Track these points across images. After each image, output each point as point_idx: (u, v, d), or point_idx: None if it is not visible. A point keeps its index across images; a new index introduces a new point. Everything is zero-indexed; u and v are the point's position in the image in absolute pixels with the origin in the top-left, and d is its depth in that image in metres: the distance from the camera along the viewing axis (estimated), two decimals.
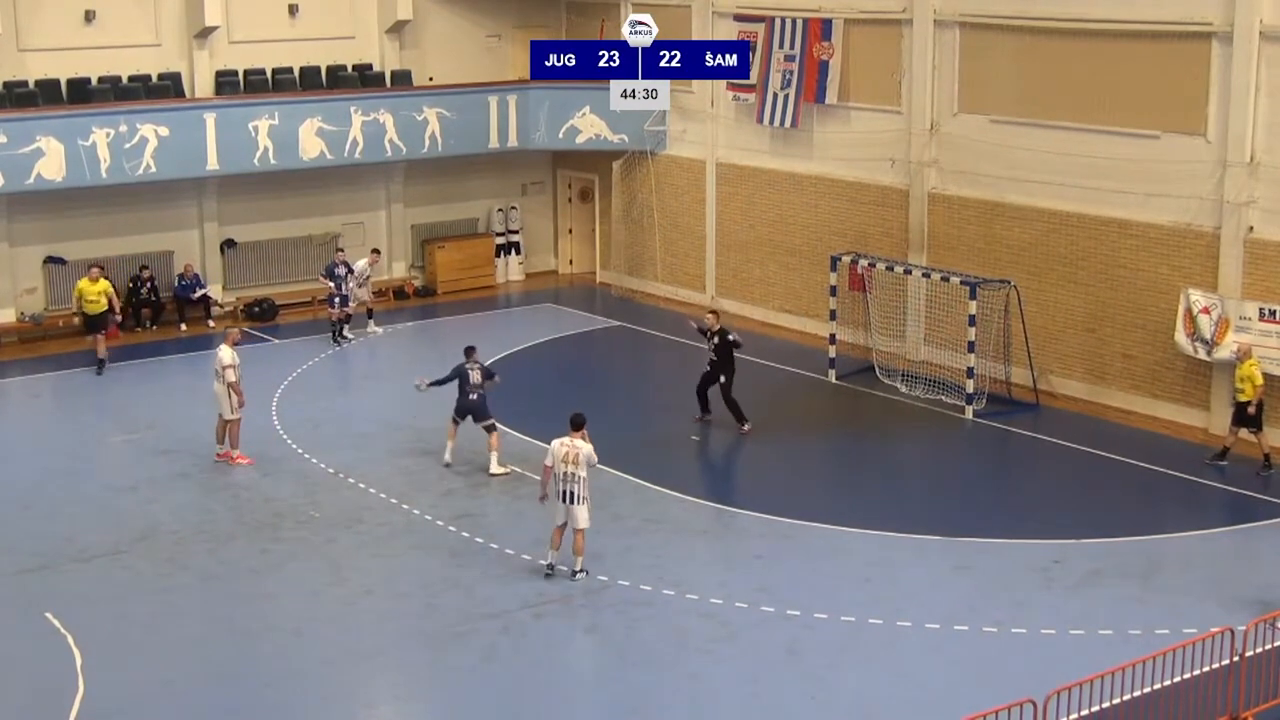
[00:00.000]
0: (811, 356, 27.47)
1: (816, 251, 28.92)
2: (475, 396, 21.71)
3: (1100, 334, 24.78)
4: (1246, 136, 22.56)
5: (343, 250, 30.13)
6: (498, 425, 21.77)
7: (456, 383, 21.84)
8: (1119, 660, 14.38)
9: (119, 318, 27.55)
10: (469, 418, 21.79)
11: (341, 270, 29.08)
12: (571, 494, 17.58)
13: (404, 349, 29.45)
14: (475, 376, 21.74)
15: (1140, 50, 23.89)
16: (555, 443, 17.82)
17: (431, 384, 22.39)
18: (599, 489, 20.56)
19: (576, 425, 17.93)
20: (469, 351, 22.09)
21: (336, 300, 29.01)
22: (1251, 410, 21.49)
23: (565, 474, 17.58)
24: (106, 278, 29.38)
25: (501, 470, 21.47)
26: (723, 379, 23.56)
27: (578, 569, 17.81)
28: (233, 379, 21.82)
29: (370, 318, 30.07)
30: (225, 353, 22.03)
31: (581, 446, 17.65)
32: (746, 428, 23.49)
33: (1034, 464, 22.87)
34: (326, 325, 29.54)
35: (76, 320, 27.31)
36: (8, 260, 29.06)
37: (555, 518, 17.82)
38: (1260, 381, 21.42)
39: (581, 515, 17.63)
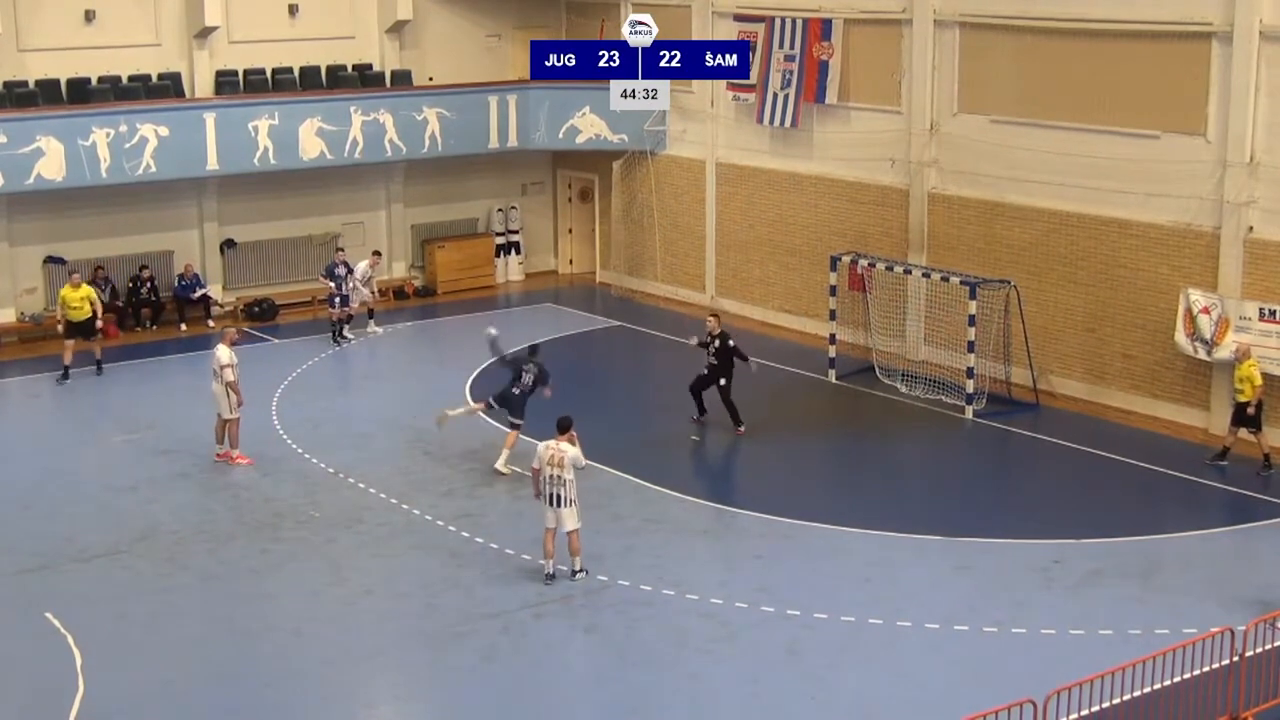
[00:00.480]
0: (811, 356, 27.47)
1: (816, 251, 28.92)
2: (518, 392, 21.62)
3: (1100, 334, 24.78)
4: (1246, 136, 22.56)
5: (343, 250, 30.13)
6: (522, 429, 21.65)
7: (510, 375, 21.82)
8: (1119, 660, 14.38)
9: (102, 324, 27.14)
10: (502, 407, 21.77)
11: (341, 270, 29.08)
12: (558, 496, 17.54)
13: (404, 349, 29.47)
14: (527, 379, 21.64)
15: (1140, 50, 23.89)
16: (541, 445, 17.82)
17: (496, 346, 22.09)
18: (599, 489, 20.60)
19: (563, 428, 17.92)
20: (533, 350, 22.02)
21: (337, 300, 29.03)
22: (1251, 410, 21.49)
23: (551, 476, 17.55)
24: (105, 280, 29.52)
25: (505, 470, 21.46)
26: (723, 381, 23.55)
27: (576, 569, 17.80)
28: (231, 378, 21.81)
29: (371, 318, 30.08)
30: (223, 352, 22.03)
31: (567, 449, 17.61)
32: (741, 429, 23.49)
33: (1034, 464, 22.87)
34: (326, 325, 29.56)
35: (60, 328, 27.05)
36: (8, 260, 29.06)
37: (545, 521, 17.78)
38: (1259, 382, 21.41)
39: (569, 517, 17.59)
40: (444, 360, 28.45)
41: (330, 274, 29.14)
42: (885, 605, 17.14)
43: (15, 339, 29.05)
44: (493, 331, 22.60)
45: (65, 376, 26.24)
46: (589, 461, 18.34)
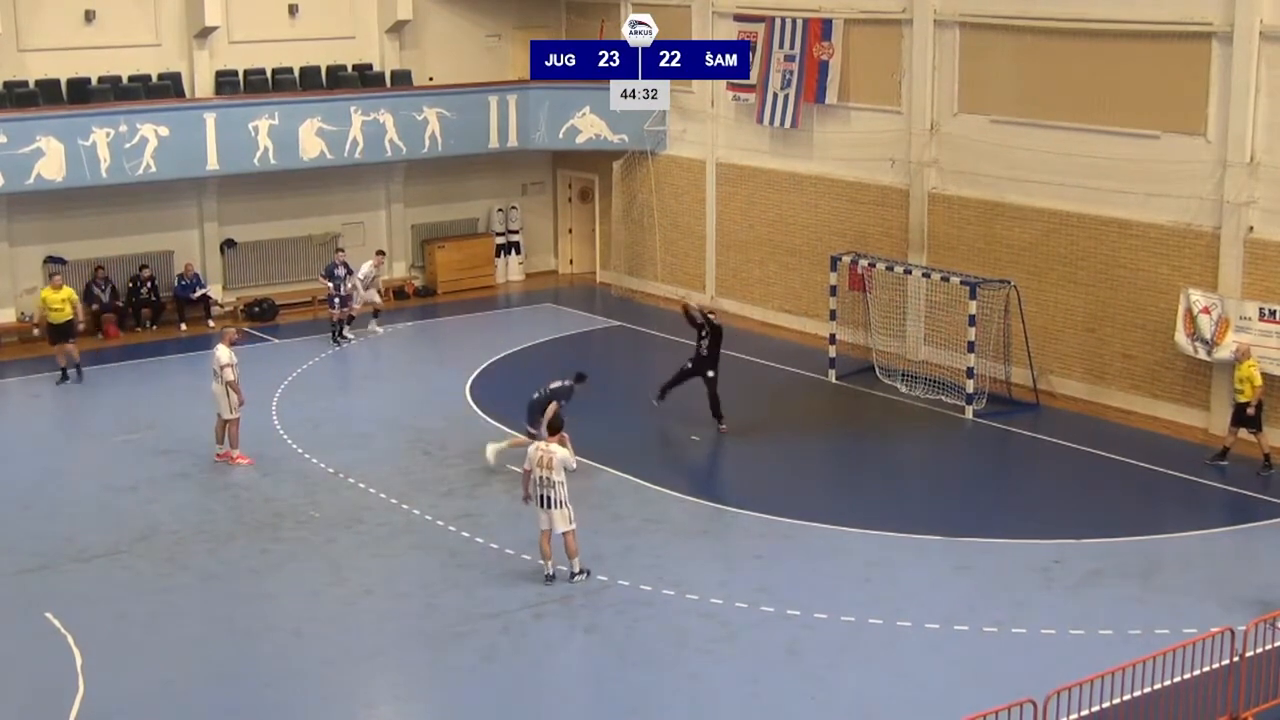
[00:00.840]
0: (811, 356, 27.46)
1: (816, 251, 28.91)
2: (536, 396, 21.23)
3: (1100, 334, 24.78)
4: (1246, 136, 22.56)
5: (343, 251, 30.11)
6: (534, 437, 20.92)
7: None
8: (1119, 660, 14.38)
9: (82, 325, 26.66)
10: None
11: (341, 271, 29.06)
12: (547, 498, 17.45)
13: (404, 349, 29.46)
14: (556, 382, 21.28)
15: (1140, 50, 23.89)
16: (531, 447, 17.80)
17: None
18: (599, 489, 20.62)
19: (553, 430, 17.99)
20: (580, 376, 21.49)
21: (336, 300, 28.99)
22: (1250, 411, 21.48)
23: (541, 478, 17.48)
24: (105, 280, 29.52)
25: (491, 461, 21.27)
26: (710, 373, 23.55)
27: (576, 570, 17.72)
28: (231, 378, 21.78)
29: (375, 317, 29.98)
30: (222, 352, 22.00)
31: (556, 451, 17.54)
32: (723, 428, 23.51)
33: (1034, 464, 22.87)
34: (327, 325, 29.53)
35: (35, 331, 26.88)
36: (8, 260, 29.05)
37: (539, 523, 17.73)
38: (1259, 382, 21.40)
39: (560, 519, 17.50)
40: (444, 360, 28.46)
41: (330, 274, 29.12)
42: (885, 605, 17.14)
43: (15, 339, 29.03)
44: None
45: (64, 378, 26.23)
46: (582, 460, 18.26)
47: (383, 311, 30.25)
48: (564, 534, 17.60)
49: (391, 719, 15.52)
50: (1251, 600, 17.10)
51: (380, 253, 30.87)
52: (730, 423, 23.62)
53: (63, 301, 26.28)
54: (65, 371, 26.28)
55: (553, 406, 20.34)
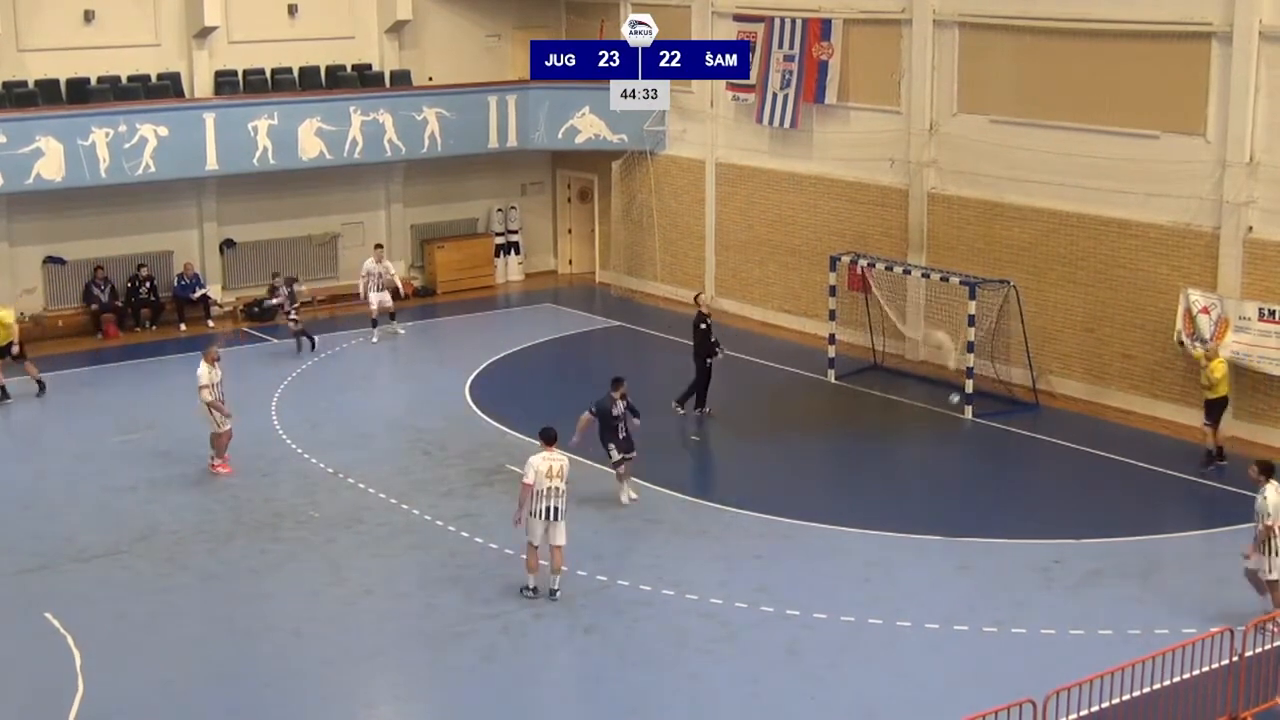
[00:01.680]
0: (811, 356, 27.46)
1: (816, 251, 28.91)
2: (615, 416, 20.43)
3: (1100, 334, 24.78)
4: (1246, 136, 22.56)
5: (278, 275, 29.40)
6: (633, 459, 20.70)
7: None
8: (1119, 660, 14.38)
9: (17, 348, 25.76)
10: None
11: (284, 290, 28.55)
12: (555, 510, 17.12)
13: (403, 349, 29.44)
14: (618, 408, 20.45)
15: (1140, 50, 23.90)
16: (536, 459, 17.19)
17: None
18: (599, 489, 20.60)
19: (550, 440, 17.38)
20: (615, 381, 20.61)
21: (291, 312, 28.52)
22: (1208, 396, 21.68)
23: (550, 489, 17.10)
24: (105, 280, 29.41)
25: (635, 496, 20.61)
26: (708, 360, 23.91)
27: (555, 587, 17.37)
28: (208, 399, 21.27)
29: (393, 319, 29.73)
30: (200, 370, 21.37)
31: (564, 459, 17.31)
32: (708, 409, 23.93)
33: (1034, 464, 22.86)
34: (327, 326, 29.48)
35: None
36: (8, 260, 29.05)
37: (533, 537, 17.30)
38: (1218, 376, 21.52)
39: (560, 532, 17.21)
40: (444, 360, 28.45)
41: (274, 293, 28.89)
42: (885, 605, 17.14)
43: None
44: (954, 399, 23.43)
45: (4, 395, 25.43)
46: (579, 461, 18.17)
47: (396, 314, 29.78)
48: (557, 548, 17.27)
49: (391, 719, 15.53)
50: (1251, 600, 17.08)
51: (378, 246, 30.44)
52: (730, 423, 23.69)
53: None
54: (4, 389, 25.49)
55: (598, 417, 20.32)
